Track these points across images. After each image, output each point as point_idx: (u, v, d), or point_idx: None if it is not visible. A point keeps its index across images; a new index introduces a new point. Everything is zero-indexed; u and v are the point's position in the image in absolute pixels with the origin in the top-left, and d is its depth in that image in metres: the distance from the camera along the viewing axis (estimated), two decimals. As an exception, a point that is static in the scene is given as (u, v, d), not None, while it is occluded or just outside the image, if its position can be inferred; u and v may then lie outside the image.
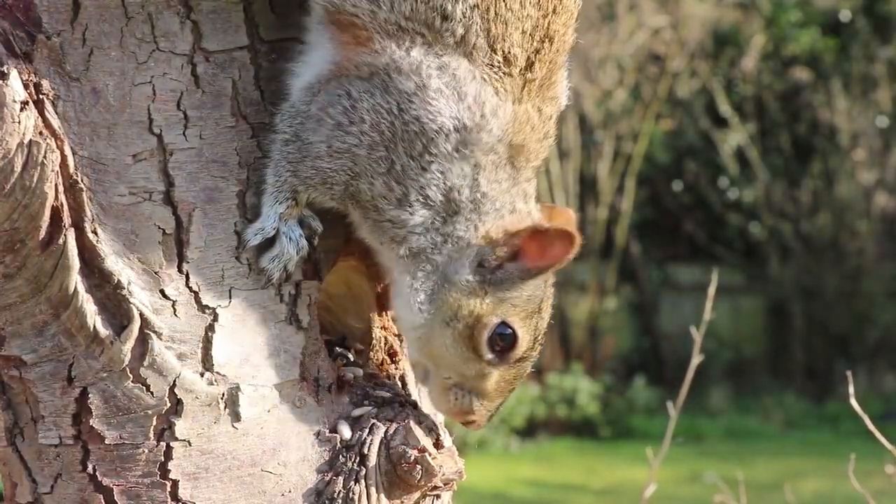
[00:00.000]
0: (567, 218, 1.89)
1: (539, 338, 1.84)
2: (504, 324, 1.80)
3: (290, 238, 1.79)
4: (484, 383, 1.83)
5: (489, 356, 1.81)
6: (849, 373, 2.58)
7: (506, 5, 1.77)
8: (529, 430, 13.45)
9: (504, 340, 1.80)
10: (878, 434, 2.50)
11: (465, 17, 1.75)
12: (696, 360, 3.01)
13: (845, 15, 16.38)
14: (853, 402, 2.52)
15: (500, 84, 1.78)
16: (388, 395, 1.88)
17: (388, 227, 1.77)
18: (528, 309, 1.81)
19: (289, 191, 1.78)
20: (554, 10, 1.82)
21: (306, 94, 1.76)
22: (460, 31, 1.75)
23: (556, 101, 1.86)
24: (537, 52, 1.81)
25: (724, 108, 16.14)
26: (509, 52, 1.78)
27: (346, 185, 1.76)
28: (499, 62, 1.78)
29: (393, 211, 1.76)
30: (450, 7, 1.74)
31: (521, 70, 1.79)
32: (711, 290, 3.11)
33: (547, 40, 1.81)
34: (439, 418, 1.95)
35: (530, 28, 1.79)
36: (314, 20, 1.79)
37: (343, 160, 1.75)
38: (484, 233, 1.78)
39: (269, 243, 1.78)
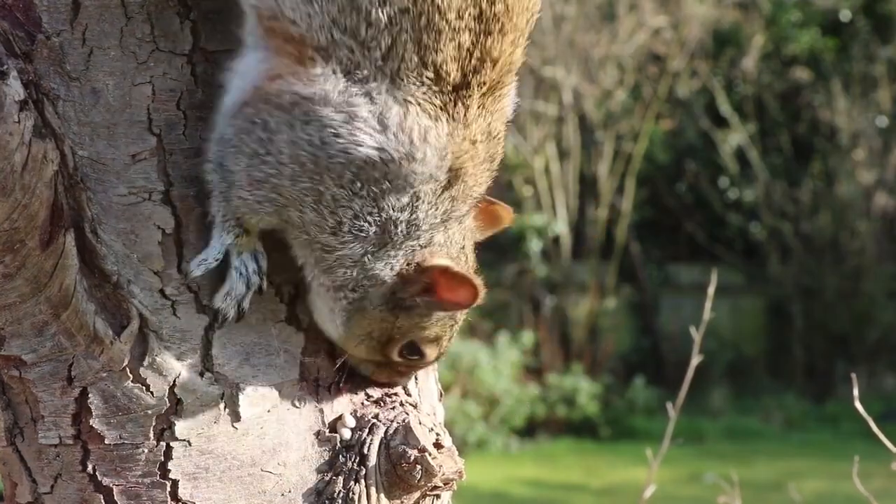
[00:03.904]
0: (501, 216, 1.88)
1: (446, 349, 1.87)
2: (412, 343, 1.81)
3: (240, 273, 1.75)
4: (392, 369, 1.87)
5: (398, 359, 1.83)
6: (853, 375, 2.57)
7: (440, 14, 1.63)
8: (529, 430, 13.47)
9: (412, 354, 1.82)
10: (882, 436, 2.50)
11: (392, 23, 1.63)
12: (696, 360, 3.01)
13: (845, 15, 16.39)
14: (857, 404, 2.52)
15: (430, 104, 1.67)
16: (388, 395, 1.88)
17: (318, 249, 1.72)
18: (436, 331, 1.82)
19: (232, 220, 1.73)
20: (501, 30, 1.68)
21: (227, 119, 1.70)
22: (387, 40, 1.64)
23: (504, 115, 1.76)
24: (475, 71, 1.68)
25: (724, 108, 16.14)
26: (441, 68, 1.66)
27: (276, 213, 1.71)
28: (430, 79, 1.66)
29: (326, 237, 1.71)
30: (374, 12, 1.63)
31: (454, 87, 1.68)
32: (711, 290, 3.11)
33: (489, 61, 1.69)
34: (439, 418, 1.95)
35: (468, 43, 1.66)
36: (247, 29, 1.71)
37: (263, 191, 1.69)
38: (398, 269, 1.74)
39: (219, 279, 1.75)
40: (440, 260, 1.74)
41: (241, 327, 1.78)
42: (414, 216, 1.71)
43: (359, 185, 1.68)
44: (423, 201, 1.71)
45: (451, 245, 1.77)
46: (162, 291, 1.74)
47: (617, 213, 15.56)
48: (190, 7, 1.73)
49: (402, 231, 1.71)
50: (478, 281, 1.74)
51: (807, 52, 16.40)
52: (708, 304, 3.07)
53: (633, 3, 15.73)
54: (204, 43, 1.74)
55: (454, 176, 1.72)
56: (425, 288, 1.75)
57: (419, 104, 1.67)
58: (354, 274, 1.74)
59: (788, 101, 16.73)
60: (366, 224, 1.70)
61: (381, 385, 1.88)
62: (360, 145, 1.66)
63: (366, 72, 1.66)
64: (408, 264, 1.74)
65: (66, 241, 1.69)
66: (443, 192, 1.72)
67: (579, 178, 15.42)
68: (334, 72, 1.66)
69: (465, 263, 1.79)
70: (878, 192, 16.04)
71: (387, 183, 1.68)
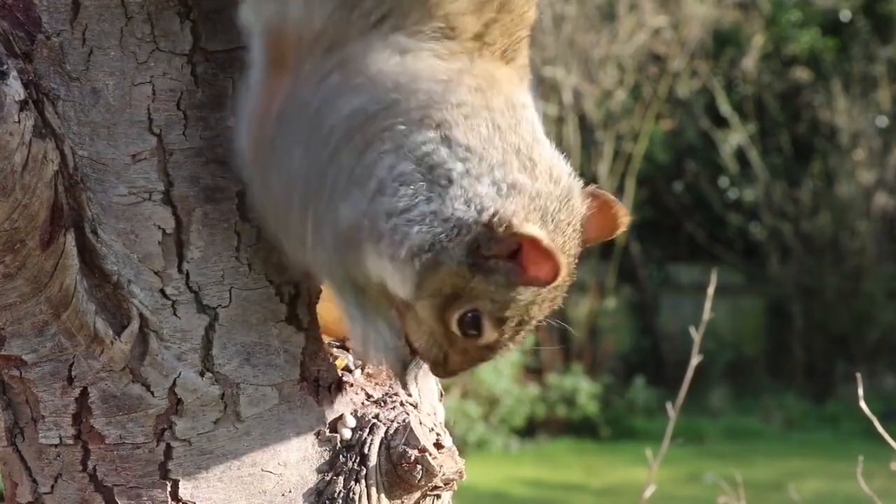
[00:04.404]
0: (619, 222, 1.73)
1: (507, 342, 1.70)
2: (476, 313, 1.65)
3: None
4: (451, 349, 1.71)
5: (455, 330, 1.67)
6: (858, 374, 2.57)
7: None
8: (529, 430, 13.47)
9: (472, 327, 1.66)
10: (886, 436, 2.49)
11: None
12: (696, 360, 3.01)
13: (845, 15, 16.40)
14: (861, 403, 2.51)
15: (442, 47, 1.59)
16: (388, 395, 1.88)
17: (388, 234, 1.62)
18: (505, 311, 1.65)
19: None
20: None
21: (248, 173, 1.69)
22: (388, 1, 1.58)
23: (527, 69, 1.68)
24: (494, 21, 1.61)
25: (724, 108, 16.14)
26: (454, 21, 1.59)
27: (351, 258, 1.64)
28: (439, 28, 1.59)
29: (384, 203, 1.60)
30: None
31: (472, 36, 1.60)
32: (711, 290, 3.11)
33: (505, 11, 1.62)
34: (439, 418, 1.95)
35: None
36: (254, 46, 1.68)
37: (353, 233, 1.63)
38: (486, 218, 1.59)
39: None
40: (533, 229, 1.59)
41: (241, 327, 1.78)
42: (453, 141, 1.59)
43: (369, 144, 1.59)
44: (457, 126, 1.60)
45: (547, 210, 1.62)
46: (162, 291, 1.74)
47: (617, 213, 15.53)
48: (190, 7, 1.73)
49: (453, 159, 1.59)
50: (563, 260, 1.59)
51: (807, 52, 16.40)
52: (708, 304, 3.07)
53: (633, 3, 15.73)
54: (204, 43, 1.74)
55: (484, 84, 1.61)
56: (511, 252, 1.61)
57: (428, 48, 1.60)
58: (428, 225, 1.60)
59: (788, 101, 16.73)
60: (403, 168, 1.59)
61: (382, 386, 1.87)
62: (351, 104, 1.59)
63: (355, 31, 1.60)
64: (495, 215, 1.59)
65: (67, 241, 1.69)
66: (480, 110, 1.61)
67: (579, 178, 15.40)
68: (315, 58, 1.61)
69: (562, 239, 1.64)
70: (878, 192, 16.04)
71: (398, 122, 1.58)
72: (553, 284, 1.62)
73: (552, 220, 1.64)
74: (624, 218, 1.74)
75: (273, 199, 1.69)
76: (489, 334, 1.67)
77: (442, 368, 1.73)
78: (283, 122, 1.64)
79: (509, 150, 1.63)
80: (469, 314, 1.65)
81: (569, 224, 1.67)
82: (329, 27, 1.62)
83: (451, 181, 1.60)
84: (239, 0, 1.68)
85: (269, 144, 1.66)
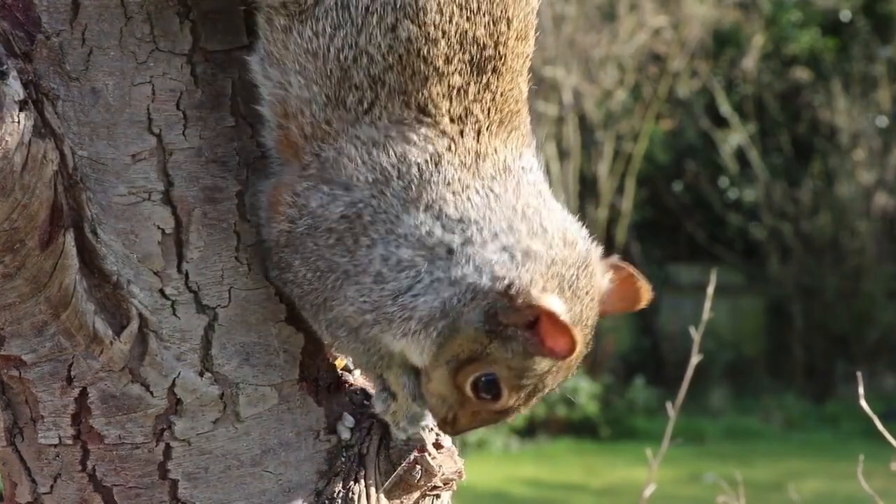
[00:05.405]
0: (641, 297, 1.74)
1: (520, 407, 1.71)
2: (494, 377, 1.66)
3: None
4: (461, 411, 1.72)
5: (469, 392, 1.68)
6: (858, 374, 2.56)
7: (426, 61, 1.62)
8: (529, 430, 13.46)
9: (488, 390, 1.67)
10: (887, 435, 2.49)
11: (374, 81, 1.62)
12: (696, 359, 3.01)
13: (845, 15, 16.41)
14: (862, 402, 2.51)
15: (420, 134, 1.64)
16: (387, 394, 1.88)
17: (397, 314, 1.66)
18: (522, 379, 1.66)
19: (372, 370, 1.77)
20: (494, 70, 1.66)
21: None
22: (368, 96, 1.63)
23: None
24: (476, 101, 1.66)
25: (724, 108, 16.15)
26: (433, 107, 1.64)
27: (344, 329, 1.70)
28: (418, 116, 1.64)
29: (390, 289, 1.64)
30: (356, 75, 1.63)
31: (453, 119, 1.65)
32: (710, 290, 3.11)
33: (488, 91, 1.66)
34: (439, 418, 1.95)
35: (459, 84, 1.64)
36: (267, 137, 1.73)
37: (366, 330, 1.69)
38: (502, 286, 1.61)
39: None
40: (552, 302, 1.60)
41: (240, 327, 1.78)
42: (443, 217, 1.63)
43: (364, 237, 1.65)
44: (445, 203, 1.64)
45: (564, 277, 1.64)
46: (162, 291, 1.74)
47: (617, 213, 15.56)
48: (189, 7, 1.73)
49: (451, 233, 1.63)
50: (579, 336, 1.61)
51: (807, 52, 16.41)
52: (707, 304, 3.07)
53: (633, 3, 15.73)
54: (203, 43, 1.74)
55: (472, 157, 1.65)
56: (528, 323, 1.62)
57: (405, 137, 1.65)
58: (440, 292, 1.64)
59: (788, 101, 16.73)
60: (399, 254, 1.64)
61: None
62: (337, 208, 1.66)
63: (343, 124, 1.65)
64: (512, 284, 1.61)
65: (66, 241, 1.69)
66: (469, 182, 1.64)
67: (579, 178, 15.42)
68: (317, 154, 1.67)
69: (579, 308, 1.65)
70: (878, 192, 16.04)
71: (379, 214, 1.64)
72: (569, 358, 1.64)
73: (569, 288, 1.65)
74: (647, 292, 1.75)
75: (289, 290, 1.74)
76: (504, 400, 1.68)
77: (451, 427, 1.74)
78: (287, 238, 1.70)
79: (513, 215, 1.66)
80: (483, 378, 1.66)
81: (587, 292, 1.68)
82: (321, 122, 1.66)
83: (451, 251, 1.64)
84: (259, 98, 1.72)
85: (276, 248, 1.72)
